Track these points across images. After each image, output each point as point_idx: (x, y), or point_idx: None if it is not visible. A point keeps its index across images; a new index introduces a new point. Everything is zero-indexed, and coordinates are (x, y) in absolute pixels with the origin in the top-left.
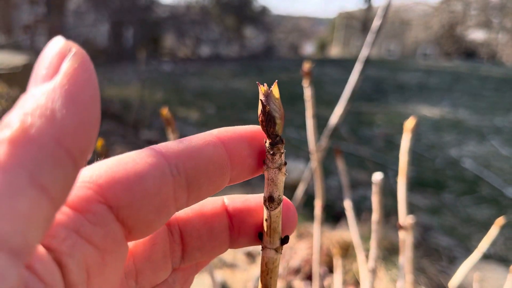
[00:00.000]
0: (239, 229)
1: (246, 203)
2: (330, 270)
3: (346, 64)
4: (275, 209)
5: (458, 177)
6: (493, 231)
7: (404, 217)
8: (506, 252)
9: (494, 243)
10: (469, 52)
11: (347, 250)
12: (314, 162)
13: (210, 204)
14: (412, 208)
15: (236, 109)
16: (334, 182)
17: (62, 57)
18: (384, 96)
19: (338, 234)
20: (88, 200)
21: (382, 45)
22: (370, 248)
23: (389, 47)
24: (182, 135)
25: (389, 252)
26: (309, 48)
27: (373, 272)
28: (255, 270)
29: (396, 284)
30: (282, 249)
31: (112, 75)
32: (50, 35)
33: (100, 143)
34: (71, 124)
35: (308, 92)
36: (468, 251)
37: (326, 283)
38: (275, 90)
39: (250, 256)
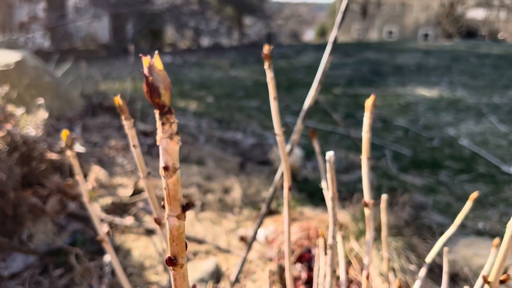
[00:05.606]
0: None
1: None
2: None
3: (347, 49)
4: (171, 177)
5: (455, 155)
6: (467, 206)
7: (368, 195)
8: (502, 228)
9: (489, 219)
10: (470, 31)
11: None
12: (280, 143)
13: None
14: (408, 187)
15: (235, 97)
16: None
17: None
18: (383, 78)
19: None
20: None
21: (383, 28)
22: (359, 229)
23: (390, 29)
24: (180, 125)
25: (380, 233)
26: (309, 34)
27: (334, 248)
28: (249, 255)
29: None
30: (185, 216)
31: (111, 68)
32: (49, 32)
33: (65, 134)
34: None
35: (269, 74)
36: (463, 228)
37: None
38: (157, 61)
39: (244, 241)
